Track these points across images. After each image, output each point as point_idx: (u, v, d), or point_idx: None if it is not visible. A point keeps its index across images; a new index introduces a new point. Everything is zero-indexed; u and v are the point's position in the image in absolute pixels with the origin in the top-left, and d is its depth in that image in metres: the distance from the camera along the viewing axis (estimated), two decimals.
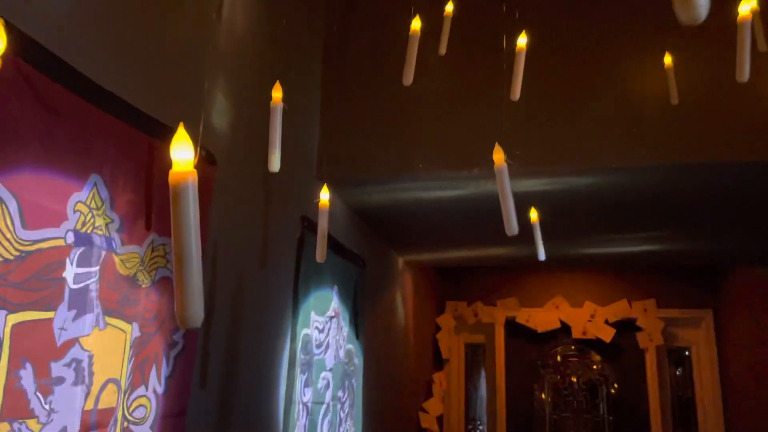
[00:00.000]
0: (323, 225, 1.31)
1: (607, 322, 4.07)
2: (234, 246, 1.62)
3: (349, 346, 2.47)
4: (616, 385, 4.10)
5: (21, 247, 0.94)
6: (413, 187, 2.32)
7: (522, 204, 2.02)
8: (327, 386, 2.18)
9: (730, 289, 3.76)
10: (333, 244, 2.19)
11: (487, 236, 3.06)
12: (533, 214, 1.85)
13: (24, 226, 0.95)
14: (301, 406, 1.93)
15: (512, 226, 1.16)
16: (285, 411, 1.83)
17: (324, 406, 2.15)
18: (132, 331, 1.18)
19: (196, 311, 0.59)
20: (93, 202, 1.09)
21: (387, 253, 3.27)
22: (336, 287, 2.32)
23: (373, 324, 2.88)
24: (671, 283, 4.07)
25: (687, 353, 4.06)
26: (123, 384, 1.15)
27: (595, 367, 4.17)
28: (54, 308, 1.00)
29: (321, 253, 1.30)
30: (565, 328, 4.16)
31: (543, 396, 4.20)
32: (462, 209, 2.55)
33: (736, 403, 3.63)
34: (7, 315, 0.91)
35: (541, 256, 1.85)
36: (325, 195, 1.34)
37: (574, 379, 4.19)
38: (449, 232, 2.95)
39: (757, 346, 3.34)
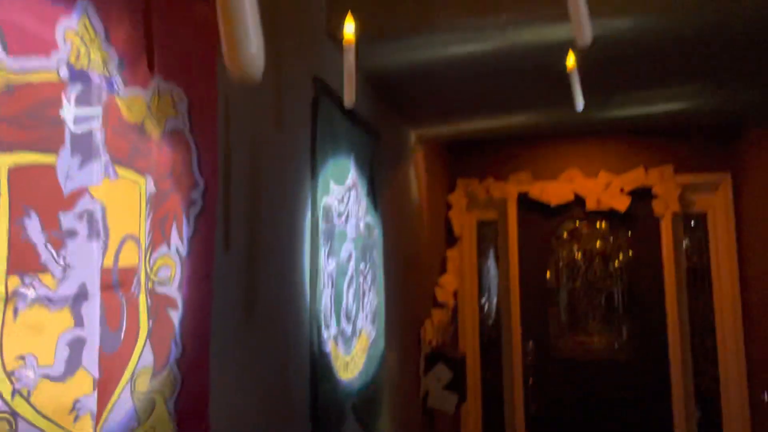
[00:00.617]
0: (350, 63, 1.15)
1: (622, 191, 3.98)
2: (247, 106, 1.46)
3: (368, 219, 2.38)
4: (630, 254, 4.08)
5: (7, 76, 0.79)
6: (431, 42, 2.12)
7: (552, 53, 1.85)
8: (350, 257, 2.11)
9: (748, 150, 3.63)
10: (346, 111, 2.03)
11: (505, 101, 2.89)
12: (571, 60, 1.68)
13: (6, 50, 0.79)
14: (326, 275, 1.86)
15: (585, 34, 0.98)
16: (311, 280, 1.75)
17: (348, 277, 2.08)
18: (146, 184, 1.05)
19: (254, 56, 0.43)
20: (85, 32, 0.93)
21: (399, 127, 3.11)
22: (353, 156, 2.18)
23: (389, 199, 2.78)
24: (689, 147, 3.94)
25: (703, 221, 4.00)
26: (143, 242, 1.04)
27: (609, 237, 4.14)
28: (54, 151, 0.86)
29: (349, 95, 1.15)
30: (580, 201, 4.08)
31: (555, 268, 4.20)
32: (481, 69, 2.36)
33: (752, 269, 3.62)
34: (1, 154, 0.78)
35: (580, 105, 1.70)
36: (350, 27, 1.16)
37: (587, 251, 4.17)
38: (465, 97, 2.77)
39: None
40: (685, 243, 3.97)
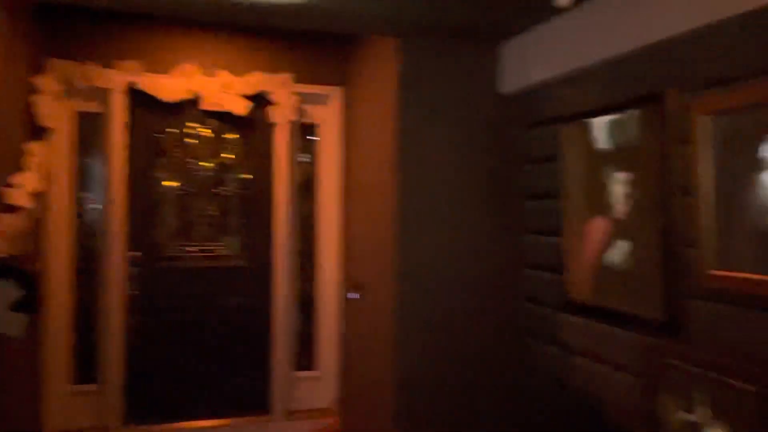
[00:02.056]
0: None
1: (240, 94, 3.80)
2: None
3: None
4: (244, 159, 3.98)
5: None
6: None
7: None
8: None
9: (356, 63, 3.78)
10: None
11: None
12: None
13: None
14: None
15: None
16: None
17: None
18: None
19: None
20: None
21: None
22: None
23: None
24: (307, 56, 3.95)
25: (315, 132, 4.11)
26: None
27: (224, 141, 3.96)
28: None
29: None
30: (196, 100, 3.77)
31: (167, 171, 3.87)
32: None
33: (351, 180, 3.86)
34: None
35: None
36: None
37: (201, 153, 3.94)
38: None
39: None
40: (298, 152, 4.03)
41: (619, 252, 2.47)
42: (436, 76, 3.06)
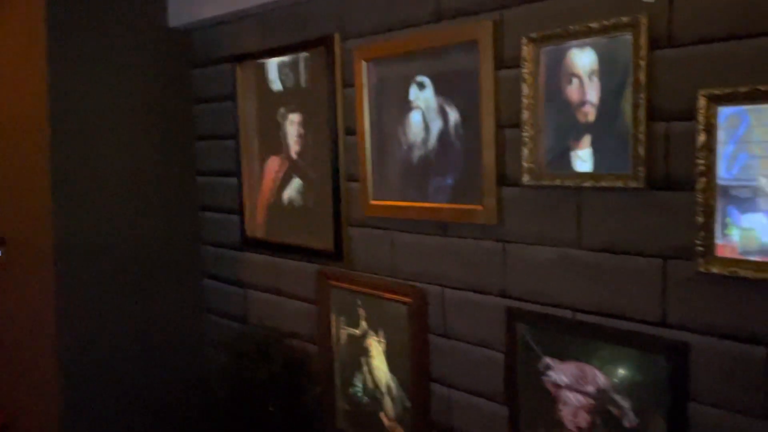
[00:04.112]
0: None
1: None
2: None
3: None
4: None
5: None
6: None
7: None
8: None
9: None
10: None
11: None
12: None
13: None
14: None
15: None
16: None
17: None
18: None
19: None
20: None
21: None
22: None
23: None
24: None
25: None
26: None
27: None
28: None
29: None
30: None
31: None
32: None
33: None
34: None
35: None
36: None
37: None
38: None
39: None
40: None
41: (294, 189, 2.61)
42: (95, 6, 2.72)
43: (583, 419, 1.71)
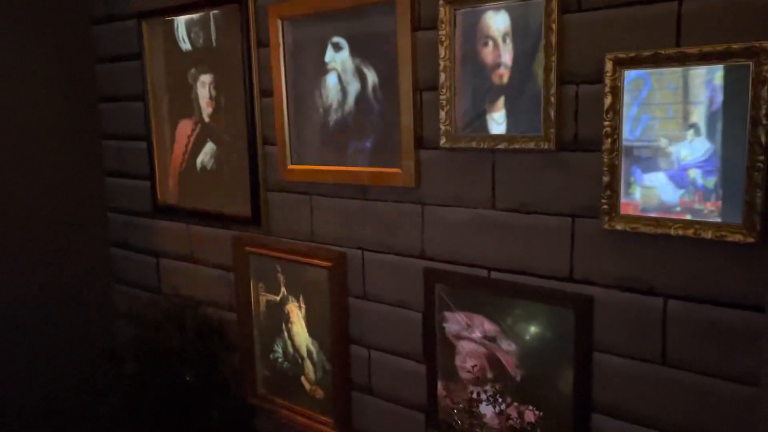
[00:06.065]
0: None
1: None
2: None
3: None
4: None
5: None
6: None
7: None
8: None
9: None
10: None
11: None
12: None
13: None
14: None
15: None
16: None
17: None
18: None
19: None
20: None
21: None
22: None
23: None
24: None
25: None
26: None
27: None
28: None
29: None
30: None
31: None
32: None
33: None
34: None
35: None
36: None
37: None
38: None
39: None
40: None
41: (207, 154, 2.52)
42: None
43: (470, 364, 1.80)
